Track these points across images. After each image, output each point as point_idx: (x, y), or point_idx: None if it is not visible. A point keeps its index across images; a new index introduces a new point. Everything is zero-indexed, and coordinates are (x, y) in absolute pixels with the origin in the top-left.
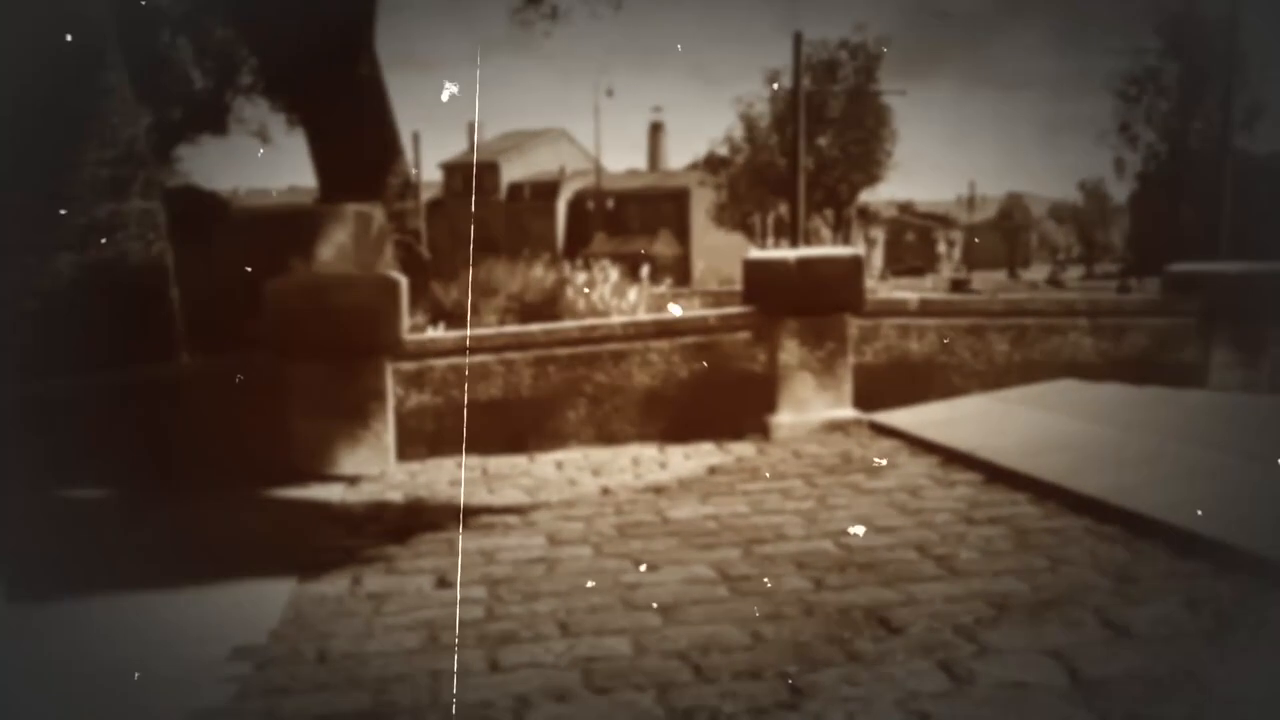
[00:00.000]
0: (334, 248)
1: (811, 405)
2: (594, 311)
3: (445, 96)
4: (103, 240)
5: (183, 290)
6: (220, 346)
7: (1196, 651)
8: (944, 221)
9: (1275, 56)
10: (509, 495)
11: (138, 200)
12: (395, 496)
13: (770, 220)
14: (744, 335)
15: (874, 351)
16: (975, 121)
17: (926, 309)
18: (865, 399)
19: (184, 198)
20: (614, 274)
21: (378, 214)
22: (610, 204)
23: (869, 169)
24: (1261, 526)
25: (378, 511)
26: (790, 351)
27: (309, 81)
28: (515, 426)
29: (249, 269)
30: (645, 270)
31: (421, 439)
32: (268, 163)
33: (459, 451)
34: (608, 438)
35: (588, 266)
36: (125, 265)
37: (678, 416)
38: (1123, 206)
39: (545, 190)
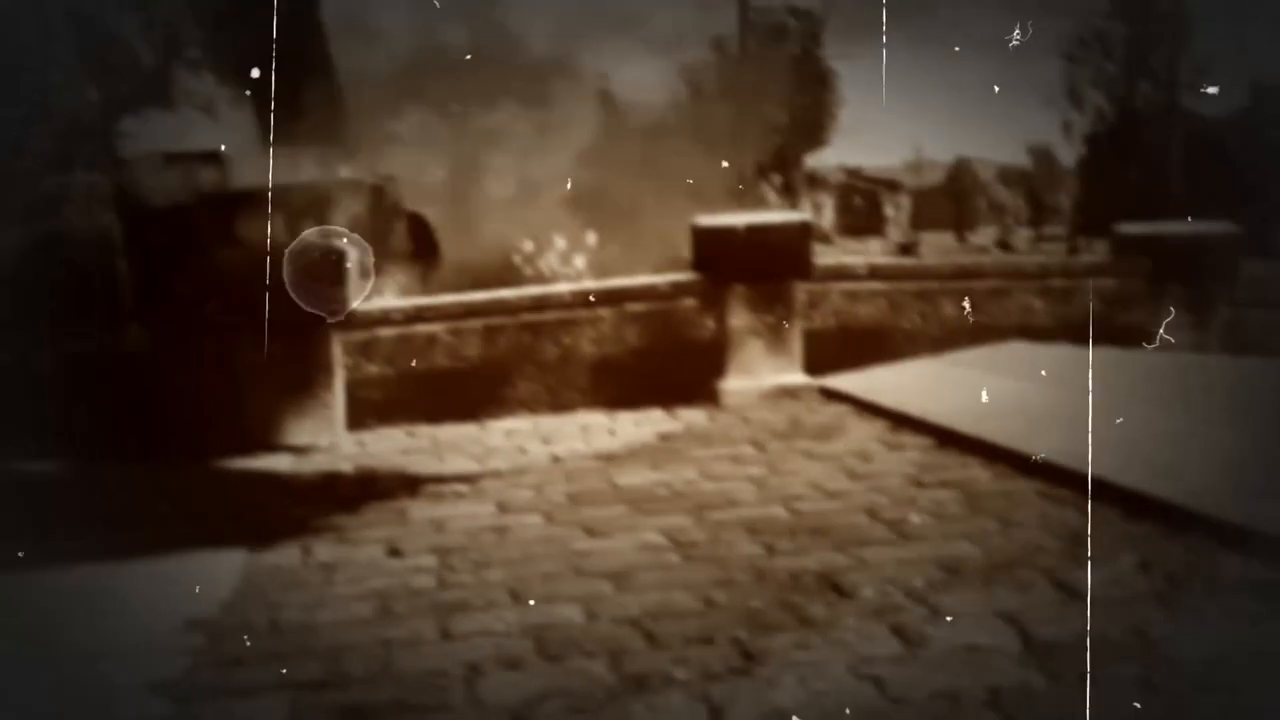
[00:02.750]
0: (349, 219)
1: (761, 371)
2: (541, 279)
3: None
4: (49, 213)
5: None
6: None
7: (1148, 613)
8: (891, 186)
9: (1220, 18)
10: (459, 464)
11: (83, 174)
12: (345, 466)
13: (718, 187)
14: (693, 302)
15: (823, 316)
16: (922, 85)
17: (875, 273)
18: (814, 364)
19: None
20: (561, 241)
21: (391, 186)
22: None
23: (815, 133)
24: (1212, 487)
25: (328, 482)
26: (739, 317)
27: (255, 54)
28: (465, 395)
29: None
30: (590, 237)
31: (371, 409)
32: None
33: (408, 421)
34: (557, 406)
35: (536, 235)
36: (71, 238)
37: (627, 383)
38: (1071, 169)
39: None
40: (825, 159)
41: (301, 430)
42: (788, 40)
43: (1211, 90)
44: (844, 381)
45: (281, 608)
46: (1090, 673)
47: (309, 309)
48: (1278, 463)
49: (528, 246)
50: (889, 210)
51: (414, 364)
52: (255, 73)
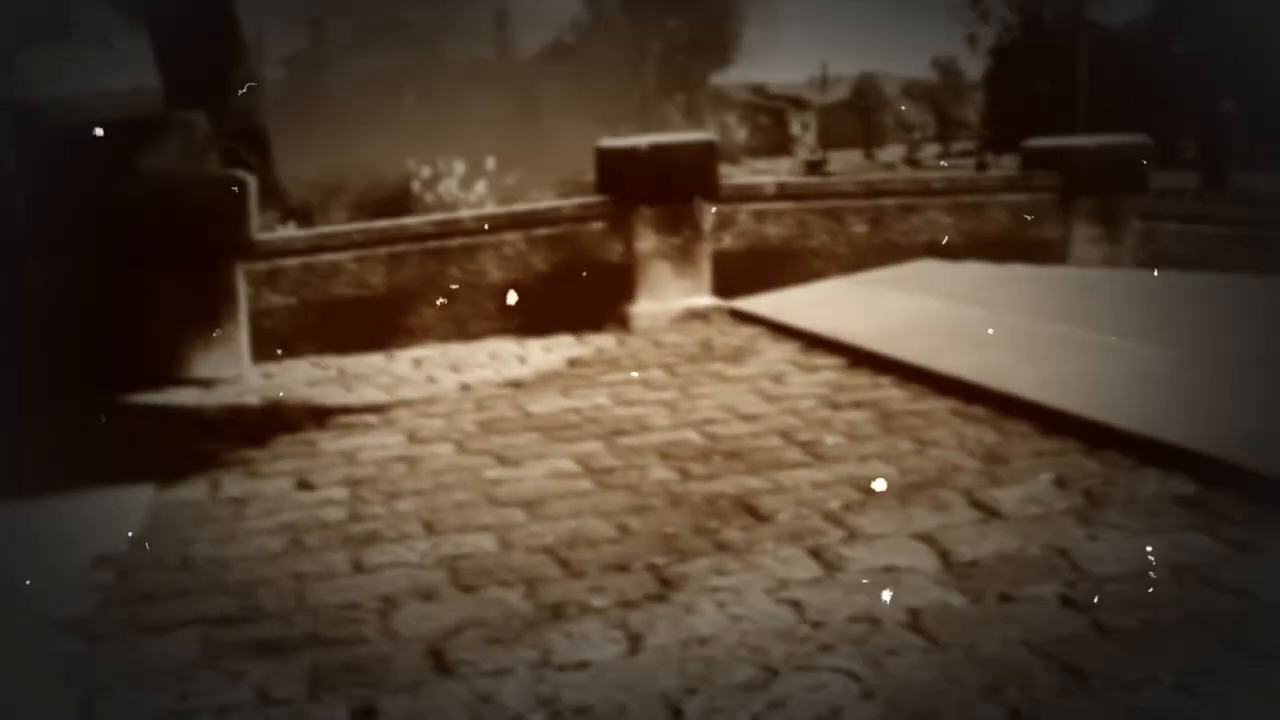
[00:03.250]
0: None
1: (670, 294)
2: (442, 205)
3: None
4: None
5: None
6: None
7: (1067, 530)
8: (797, 103)
9: None
10: (367, 394)
11: None
12: (252, 399)
13: (623, 108)
14: (599, 225)
15: (732, 237)
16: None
17: (783, 192)
18: (724, 286)
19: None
20: (458, 167)
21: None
22: (455, 94)
23: (718, 51)
24: (1128, 401)
25: (235, 415)
26: (646, 240)
27: None
28: (371, 325)
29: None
30: (490, 162)
31: (276, 340)
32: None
33: (315, 352)
34: (465, 333)
35: (434, 160)
36: None
37: (535, 310)
38: (977, 83)
39: (392, 86)
40: (730, 77)
41: (206, 363)
42: None
43: None
44: (755, 303)
45: (191, 543)
46: (1011, 593)
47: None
48: (1193, 376)
49: (425, 172)
50: (796, 128)
51: (318, 293)
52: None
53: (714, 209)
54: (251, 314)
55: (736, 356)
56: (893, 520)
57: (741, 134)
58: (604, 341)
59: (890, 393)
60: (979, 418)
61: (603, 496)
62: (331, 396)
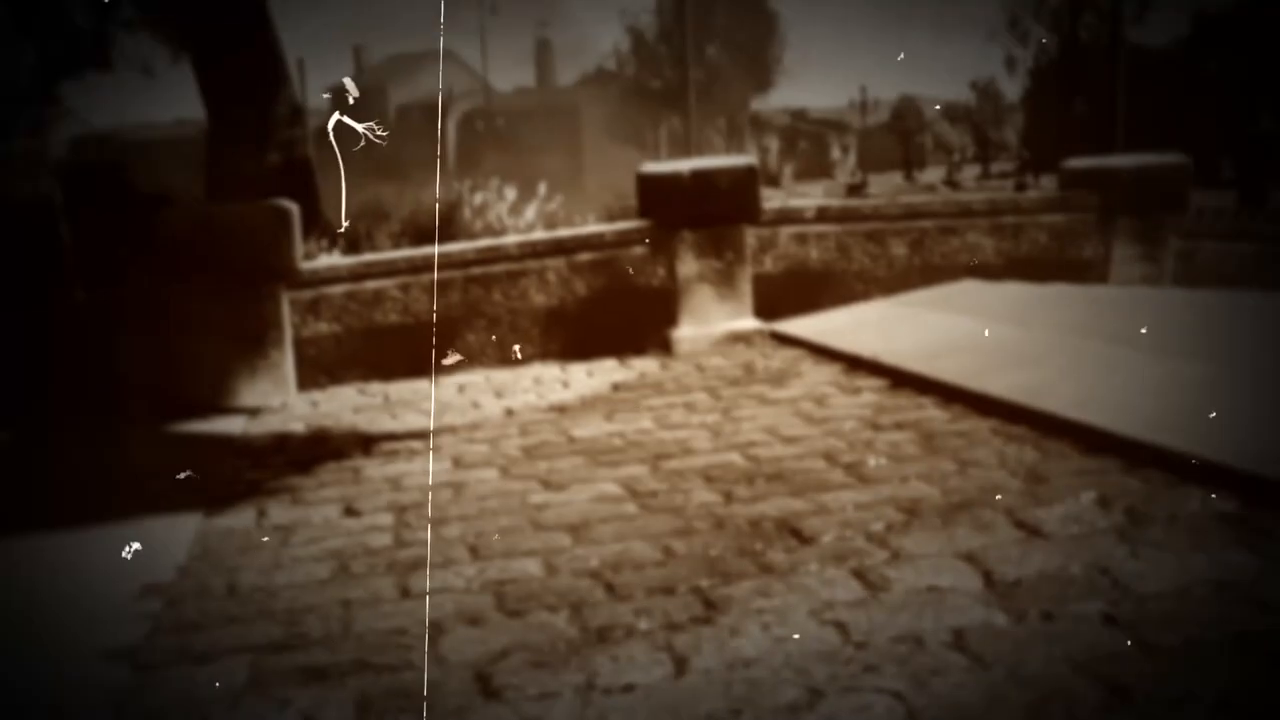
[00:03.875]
0: None
1: (712, 317)
2: (490, 231)
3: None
4: None
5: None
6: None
7: (1109, 548)
8: (837, 127)
9: None
10: (412, 420)
11: (22, 139)
12: (298, 427)
13: (663, 133)
14: (641, 250)
15: (773, 260)
16: (864, 24)
17: (823, 216)
18: (766, 309)
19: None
20: (509, 193)
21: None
22: (500, 123)
23: (759, 76)
24: (1169, 420)
25: (281, 442)
26: (688, 264)
27: (192, 12)
28: (416, 351)
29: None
30: (541, 188)
31: (322, 368)
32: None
33: (360, 378)
34: (509, 359)
35: (481, 187)
36: (11, 203)
37: (579, 334)
38: (1016, 104)
39: (434, 112)
40: (770, 102)
41: (253, 391)
42: None
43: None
44: (796, 326)
45: (238, 571)
46: (1053, 611)
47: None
48: (1234, 393)
49: (476, 199)
50: (836, 152)
51: (362, 320)
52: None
53: (756, 232)
54: (297, 341)
55: (779, 379)
56: (936, 540)
57: (781, 158)
58: (647, 365)
59: (932, 413)
60: (1020, 437)
61: (647, 520)
62: (377, 423)
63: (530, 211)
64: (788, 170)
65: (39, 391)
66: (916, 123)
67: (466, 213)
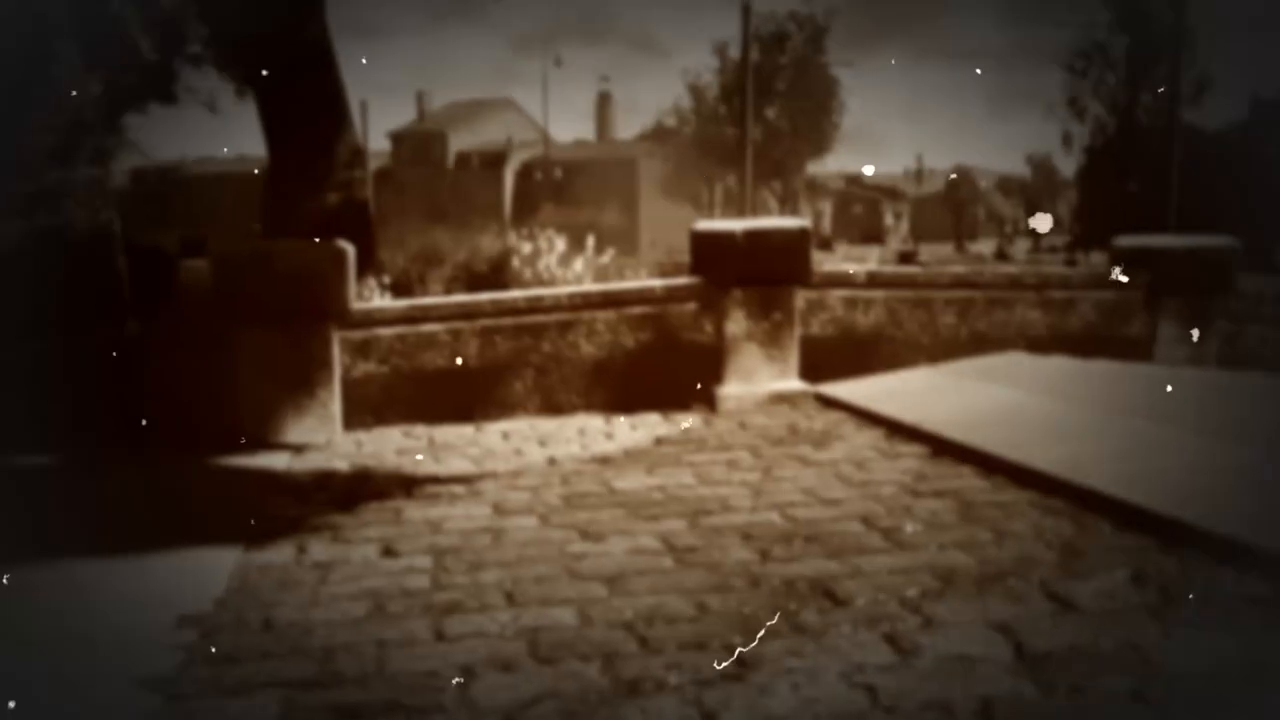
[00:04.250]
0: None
1: (758, 376)
2: (540, 281)
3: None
4: (50, 207)
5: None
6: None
7: (1142, 625)
8: (891, 194)
9: (1223, 31)
10: (455, 465)
11: (85, 168)
12: (342, 465)
13: (718, 191)
14: (691, 306)
15: (821, 323)
16: (923, 94)
17: (873, 281)
18: (812, 370)
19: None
20: (560, 244)
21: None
22: (558, 174)
23: (816, 141)
24: (1207, 500)
25: (324, 480)
26: (737, 322)
27: (258, 50)
28: (462, 396)
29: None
30: (591, 240)
31: (368, 408)
32: (217, 131)
33: (405, 420)
34: (554, 408)
35: (534, 236)
36: (72, 233)
37: (624, 387)
38: (1070, 180)
39: (493, 160)
40: (826, 166)
41: (299, 428)
42: (790, 48)
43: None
44: (841, 389)
45: (275, 606)
46: (1083, 685)
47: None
48: (1272, 477)
49: (526, 248)
50: (889, 218)
51: (411, 363)
52: (263, 72)
53: (805, 294)
54: (345, 381)
55: (821, 441)
56: (969, 609)
57: (835, 222)
58: (691, 421)
59: (971, 482)
60: (1058, 510)
61: (683, 575)
62: (420, 466)
63: (580, 263)
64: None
65: (89, 419)
66: (970, 193)
67: (516, 261)
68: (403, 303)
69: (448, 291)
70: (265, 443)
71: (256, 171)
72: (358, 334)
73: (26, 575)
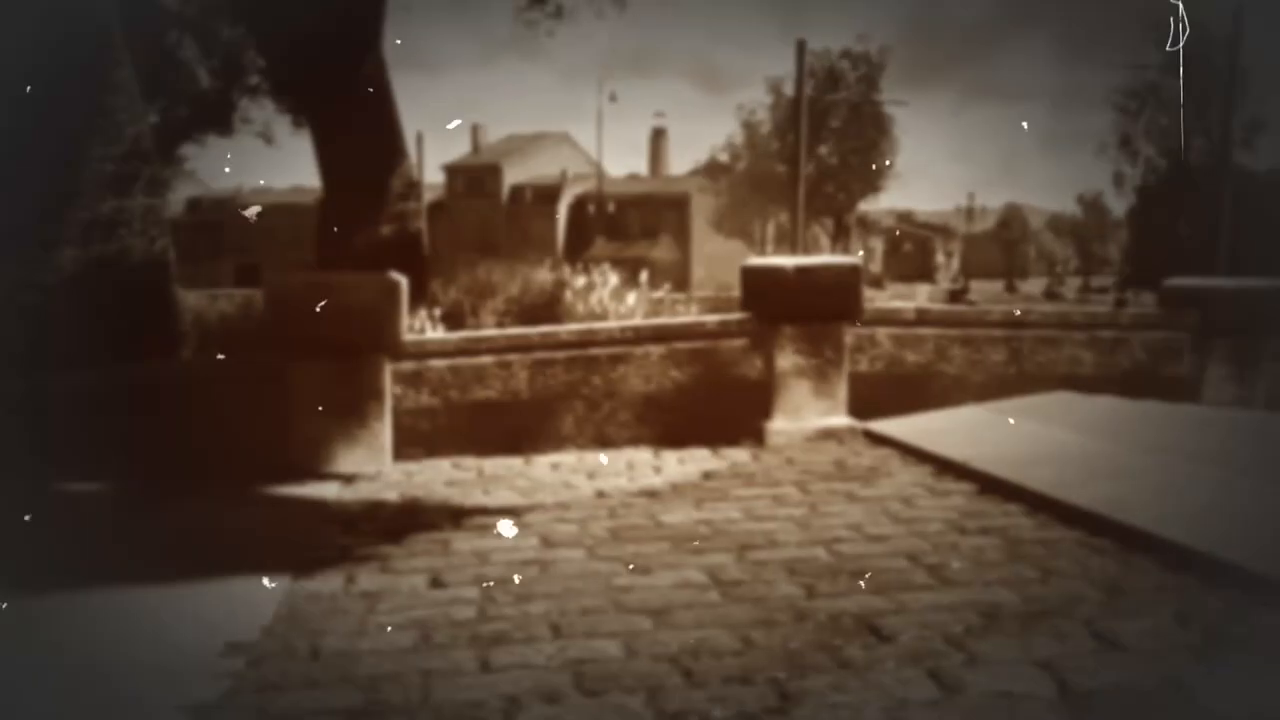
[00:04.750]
0: None
1: (807, 412)
2: (592, 315)
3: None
4: (106, 236)
5: None
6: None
7: (1185, 665)
8: (943, 231)
9: (1276, 73)
10: (504, 496)
11: (142, 197)
12: (391, 496)
13: (770, 227)
14: (741, 342)
15: (870, 360)
16: (975, 133)
17: (923, 319)
18: (860, 407)
19: None
20: (613, 278)
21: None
22: (611, 208)
23: (869, 178)
24: (1253, 541)
25: (373, 510)
26: (787, 358)
27: (315, 82)
28: (512, 428)
29: None
30: (644, 275)
31: (418, 439)
32: (273, 162)
33: (455, 452)
34: (603, 441)
35: (587, 270)
36: (128, 261)
37: (673, 422)
38: (1121, 220)
39: (547, 193)
40: (878, 203)
41: (350, 458)
42: (844, 85)
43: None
44: (889, 426)
45: (323, 635)
46: None
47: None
48: None
49: (579, 281)
50: (940, 256)
51: (462, 395)
52: (319, 104)
53: (855, 331)
54: (396, 412)
55: (868, 477)
56: (1013, 646)
57: (887, 259)
58: (738, 456)
59: (1018, 520)
60: (1104, 549)
61: (729, 609)
62: (469, 497)
63: (633, 298)
64: (891, 271)
65: (143, 447)
66: (1021, 232)
67: (569, 295)
68: (455, 335)
69: (500, 324)
70: (316, 473)
71: (312, 202)
72: (409, 365)
73: (77, 602)
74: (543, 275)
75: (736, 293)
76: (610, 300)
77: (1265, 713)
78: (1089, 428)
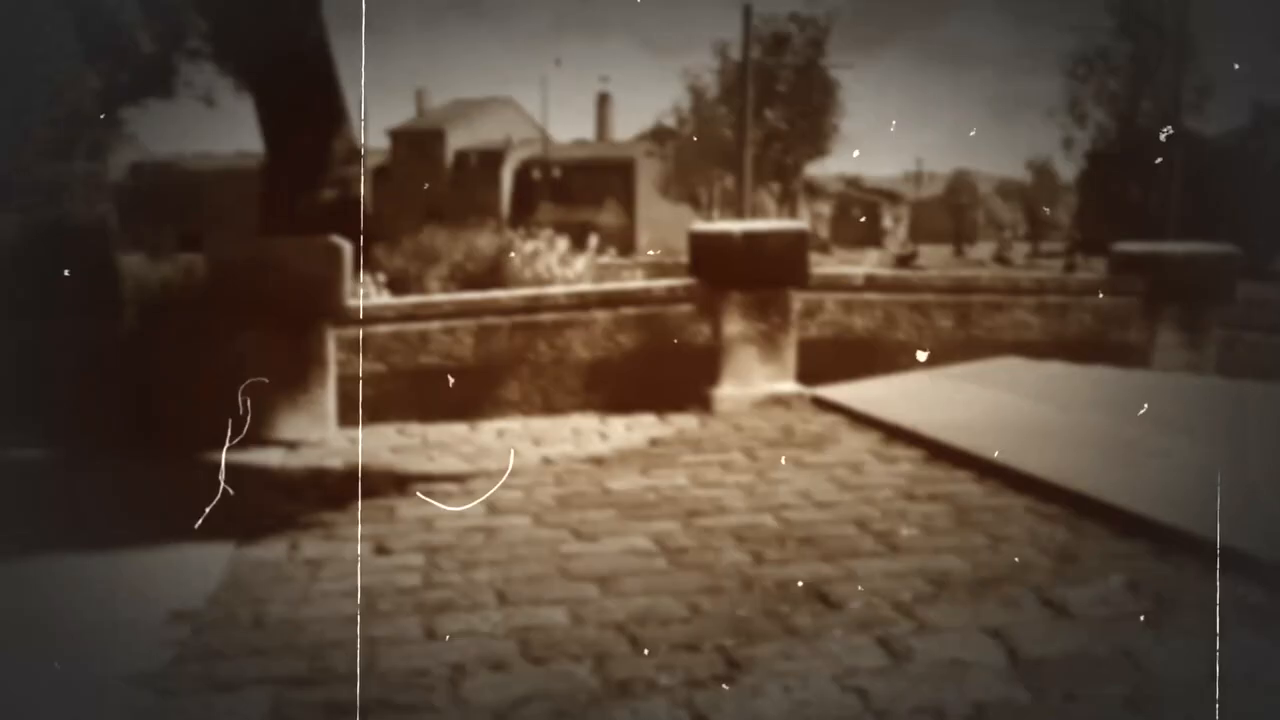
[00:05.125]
0: None
1: (754, 378)
2: (539, 281)
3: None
4: (46, 201)
5: None
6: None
7: (1136, 632)
8: (891, 197)
9: (1225, 38)
10: (449, 463)
11: (82, 161)
12: (335, 462)
13: (716, 192)
14: (688, 307)
15: (818, 326)
16: (924, 98)
17: (871, 284)
18: (808, 373)
19: None
20: (560, 243)
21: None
22: (556, 173)
23: (816, 143)
24: (1202, 508)
25: (317, 477)
26: (734, 324)
27: (256, 46)
28: (457, 395)
29: None
30: (593, 240)
31: (363, 405)
32: (214, 126)
33: (400, 419)
34: (549, 408)
35: (533, 235)
36: (68, 227)
37: (619, 388)
38: (1070, 185)
39: (492, 158)
40: (826, 168)
41: (293, 425)
42: (791, 49)
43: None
44: (838, 392)
45: (267, 602)
46: (1076, 692)
47: None
48: (1269, 486)
49: (527, 248)
50: (888, 221)
51: (406, 361)
52: (261, 68)
53: (802, 297)
54: (340, 378)
55: (816, 444)
56: (962, 614)
57: (834, 224)
58: (686, 422)
59: (967, 487)
60: (1054, 516)
61: (676, 576)
62: (413, 464)
63: (580, 263)
64: (838, 237)
65: (83, 414)
66: (970, 198)
67: (516, 261)
68: (399, 300)
69: (444, 290)
70: (260, 439)
71: (255, 168)
72: (353, 331)
73: (18, 569)
74: (487, 240)
75: (683, 258)
76: (558, 265)
77: (1212, 679)
78: (1038, 393)
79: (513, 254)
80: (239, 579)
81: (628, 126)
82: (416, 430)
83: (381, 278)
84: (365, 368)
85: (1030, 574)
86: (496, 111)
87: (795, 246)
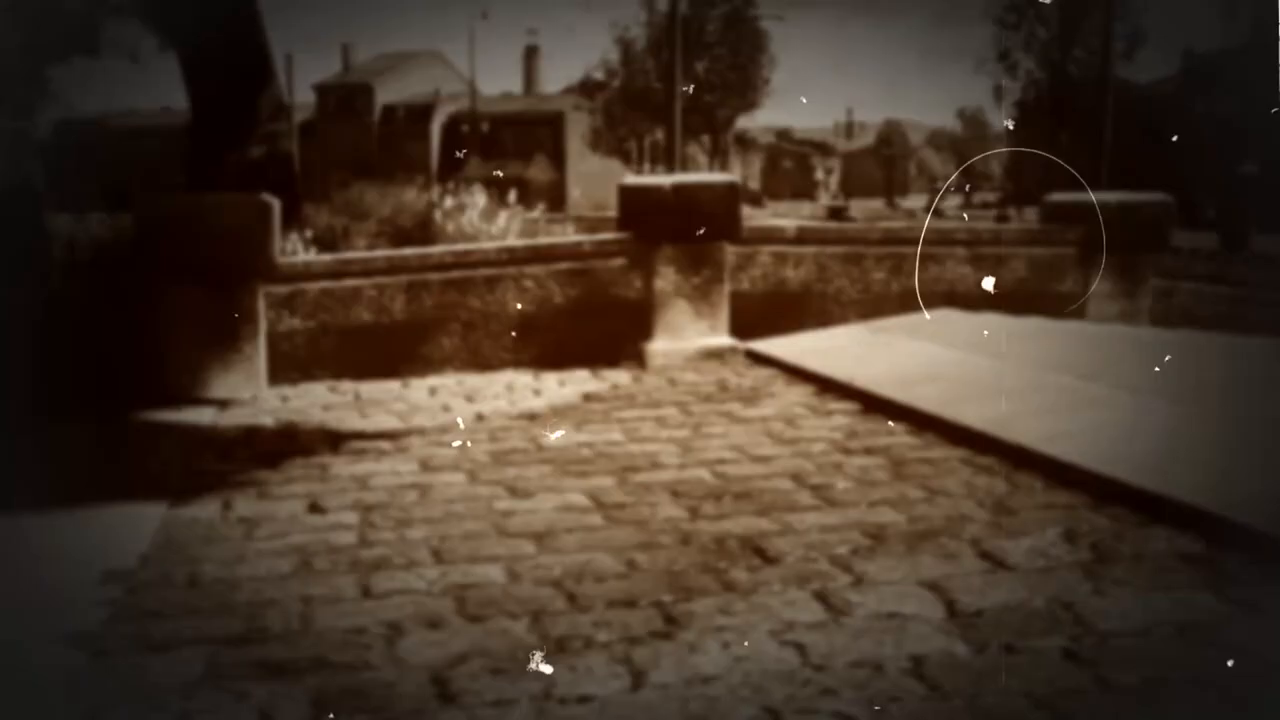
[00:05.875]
0: None
1: (687, 333)
2: (463, 236)
3: None
4: None
5: None
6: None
7: (1074, 583)
8: (822, 148)
9: None
10: (382, 420)
11: (7, 120)
12: (267, 421)
13: (647, 146)
14: (620, 262)
15: (751, 279)
16: (854, 48)
17: (804, 236)
18: (742, 327)
19: None
20: (482, 199)
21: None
22: (485, 128)
23: (746, 95)
24: (1139, 458)
25: (249, 436)
26: (666, 278)
27: (182, 2)
28: (389, 351)
29: None
30: (513, 195)
31: (294, 363)
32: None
33: (332, 376)
34: (482, 364)
35: (458, 191)
36: None
37: (553, 343)
38: (1002, 135)
39: (419, 113)
40: (756, 120)
41: (224, 383)
42: (720, 0)
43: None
44: (771, 345)
45: (200, 562)
46: (1014, 644)
47: None
48: (1205, 435)
49: (448, 203)
50: (819, 173)
51: (337, 318)
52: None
53: (735, 250)
54: (270, 336)
55: (751, 398)
56: (900, 567)
57: (765, 177)
58: (619, 377)
59: (903, 440)
60: (990, 468)
61: (612, 532)
62: (346, 421)
63: (504, 218)
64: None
65: (10, 378)
66: (901, 148)
67: (439, 216)
68: (328, 257)
69: (372, 247)
70: (191, 398)
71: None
72: (283, 289)
73: None
74: (415, 196)
75: (614, 212)
76: (481, 221)
77: (1152, 631)
78: (973, 345)
79: (435, 210)
80: (172, 538)
81: (556, 80)
82: (348, 388)
83: (309, 234)
84: (295, 325)
85: (967, 526)
86: (424, 65)
87: (726, 199)
